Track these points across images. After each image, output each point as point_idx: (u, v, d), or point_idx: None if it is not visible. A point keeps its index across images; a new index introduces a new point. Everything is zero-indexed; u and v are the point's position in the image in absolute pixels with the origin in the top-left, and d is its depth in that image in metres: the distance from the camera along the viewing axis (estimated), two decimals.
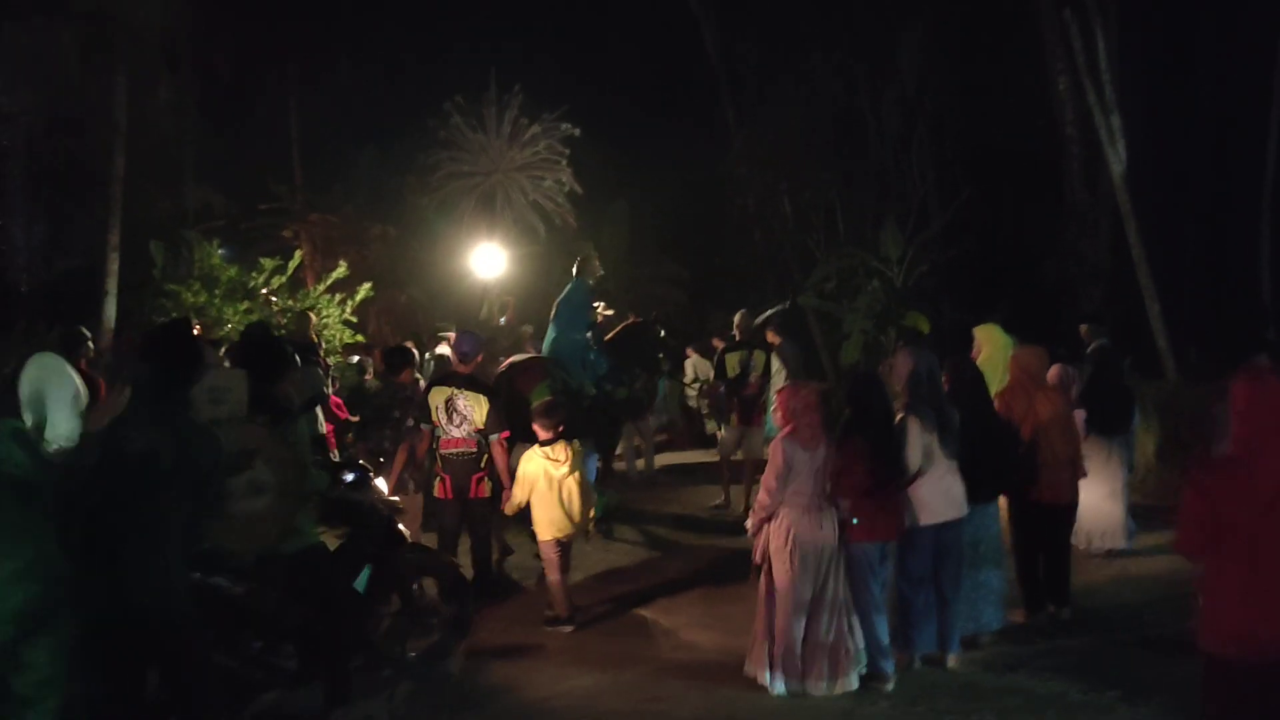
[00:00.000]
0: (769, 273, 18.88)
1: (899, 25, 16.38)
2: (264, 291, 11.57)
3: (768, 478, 5.18)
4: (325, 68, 21.61)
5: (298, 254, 12.14)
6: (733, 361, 10.23)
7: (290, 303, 11.68)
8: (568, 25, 20.93)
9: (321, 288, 12.19)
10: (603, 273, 10.23)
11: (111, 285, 13.31)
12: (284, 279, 11.82)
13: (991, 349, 7.19)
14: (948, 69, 16.35)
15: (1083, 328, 8.68)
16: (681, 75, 20.35)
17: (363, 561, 5.31)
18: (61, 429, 4.50)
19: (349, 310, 12.08)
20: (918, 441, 5.39)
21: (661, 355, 10.72)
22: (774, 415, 5.38)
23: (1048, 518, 6.35)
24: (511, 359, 9.23)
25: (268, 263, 11.76)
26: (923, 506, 5.45)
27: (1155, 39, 14.71)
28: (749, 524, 5.35)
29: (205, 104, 18.88)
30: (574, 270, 9.68)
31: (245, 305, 11.29)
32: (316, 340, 10.32)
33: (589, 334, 9.54)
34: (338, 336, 11.96)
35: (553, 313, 9.57)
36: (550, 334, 9.52)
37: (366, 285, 12.49)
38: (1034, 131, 16.44)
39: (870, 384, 5.63)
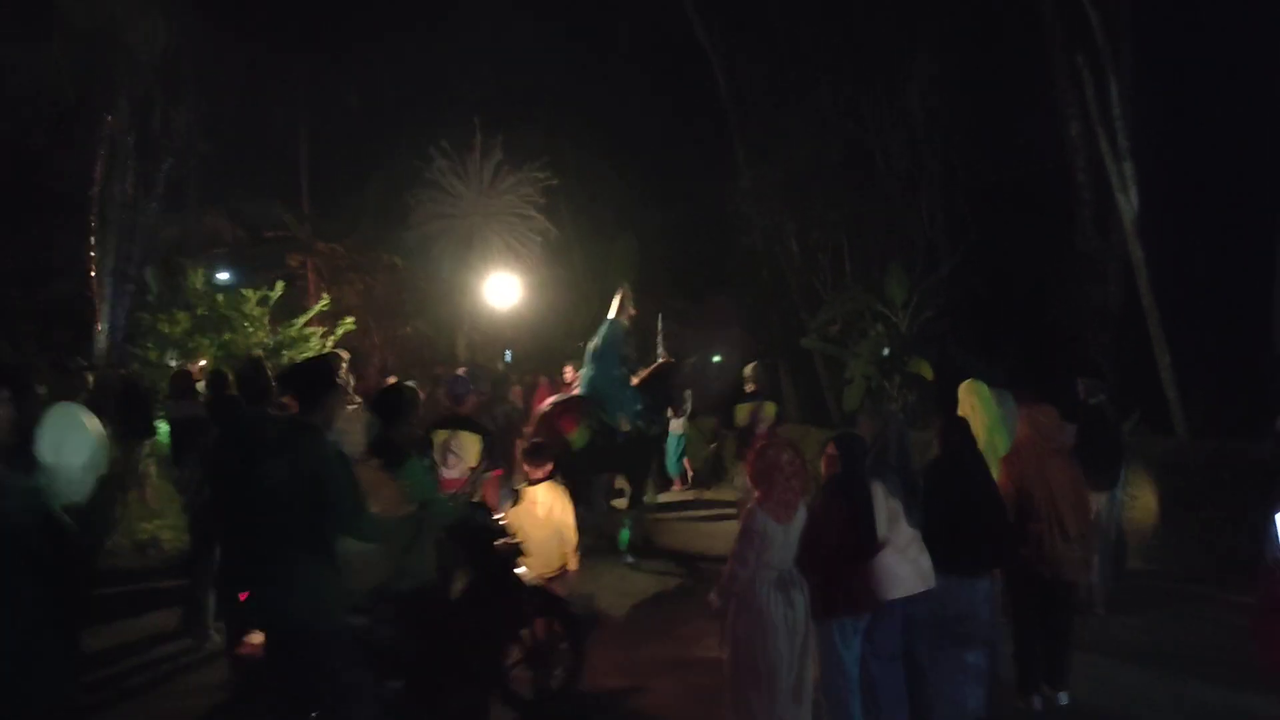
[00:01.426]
0: (774, 312, 18.65)
1: (908, 63, 16.20)
2: (247, 324, 11.36)
3: (739, 548, 4.87)
4: (335, 94, 21.61)
5: (279, 285, 11.95)
6: (743, 412, 10.27)
7: (267, 339, 11.49)
8: (578, 59, 20.82)
9: (303, 320, 12.04)
10: (635, 312, 10.46)
11: (104, 310, 13.21)
12: (266, 311, 11.64)
13: (967, 409, 6.86)
14: (957, 108, 16.12)
15: (1081, 383, 8.36)
16: (691, 111, 20.22)
17: (481, 600, 5.36)
18: (78, 487, 4.79)
19: (329, 345, 11.90)
20: (882, 507, 5.12)
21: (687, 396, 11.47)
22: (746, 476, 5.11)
23: (1050, 593, 5.98)
24: (553, 399, 9.93)
25: (250, 293, 11.59)
26: (891, 578, 5.13)
27: (1169, 85, 14.46)
28: (713, 597, 5.02)
29: (212, 129, 18.78)
30: (610, 312, 10.14)
31: (227, 335, 11.10)
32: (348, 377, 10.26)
33: (624, 370, 10.04)
34: None
35: (589, 352, 10.03)
36: (588, 373, 9.95)
37: (349, 320, 12.39)
38: (1044, 174, 16.20)
39: (853, 444, 5.35)
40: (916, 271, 15.15)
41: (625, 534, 9.96)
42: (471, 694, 5.18)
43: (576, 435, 9.23)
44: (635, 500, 10.57)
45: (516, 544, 5.69)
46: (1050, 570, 5.94)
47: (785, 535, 4.79)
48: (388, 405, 5.26)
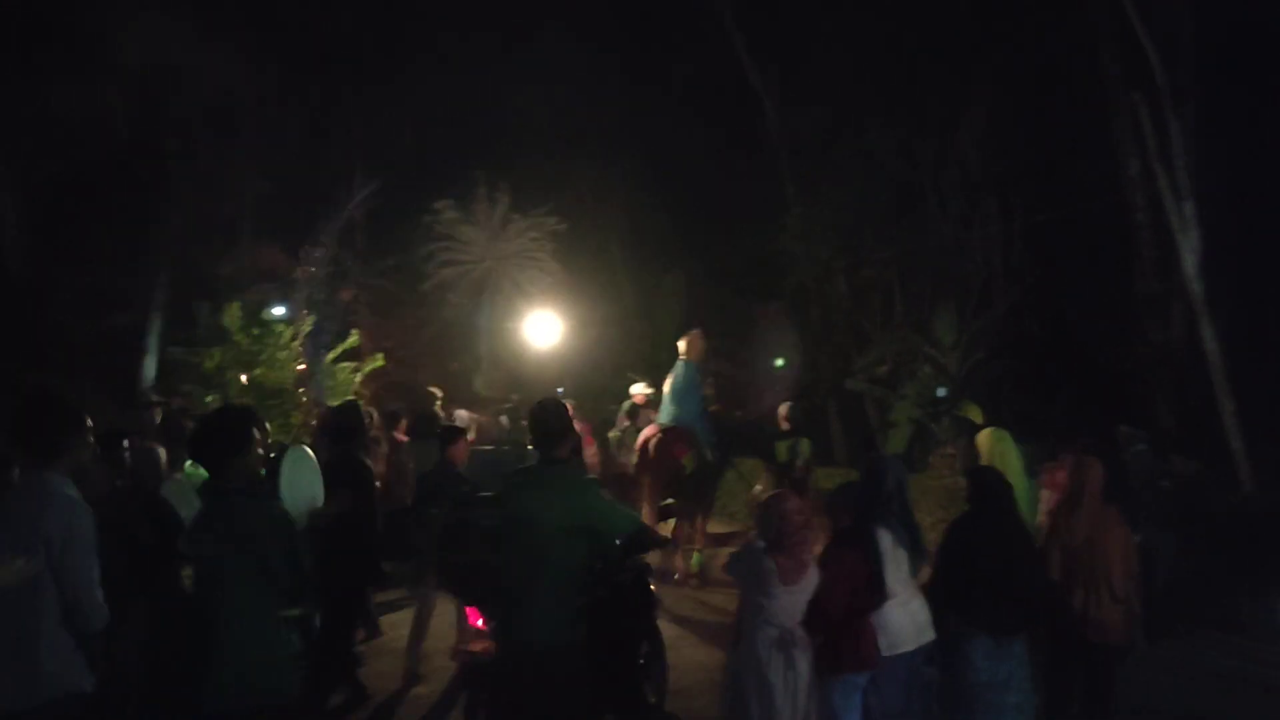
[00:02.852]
0: (824, 351, 18.36)
1: (962, 103, 15.93)
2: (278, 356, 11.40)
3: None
4: (391, 130, 21.86)
5: (309, 319, 12.04)
6: (782, 449, 10.51)
7: (300, 367, 11.53)
8: (628, 97, 20.86)
9: (331, 356, 12.09)
10: (707, 354, 10.93)
11: (153, 343, 13.42)
12: (298, 345, 11.70)
13: (994, 458, 6.57)
14: (1013, 147, 15.77)
15: (1121, 430, 8.02)
16: (740, 148, 20.13)
17: (623, 609, 5.55)
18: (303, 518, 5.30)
19: (358, 380, 11.94)
20: (889, 557, 4.91)
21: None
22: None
23: (1091, 659, 5.62)
24: (659, 426, 10.20)
25: (283, 328, 11.68)
26: (897, 632, 4.91)
27: (1231, 123, 13.95)
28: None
29: (268, 165, 19.10)
30: (681, 353, 10.43)
31: (257, 371, 11.17)
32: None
33: (703, 406, 10.37)
34: None
35: (666, 393, 10.36)
36: (669, 410, 10.25)
37: (379, 356, 12.44)
38: (1103, 214, 15.75)
39: (860, 493, 5.13)
40: (968, 312, 14.80)
41: (698, 557, 10.30)
42: (612, 699, 5.40)
43: (688, 460, 9.67)
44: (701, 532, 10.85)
45: (645, 562, 5.91)
46: (1095, 633, 5.58)
47: (788, 594, 4.57)
48: (548, 434, 5.47)
